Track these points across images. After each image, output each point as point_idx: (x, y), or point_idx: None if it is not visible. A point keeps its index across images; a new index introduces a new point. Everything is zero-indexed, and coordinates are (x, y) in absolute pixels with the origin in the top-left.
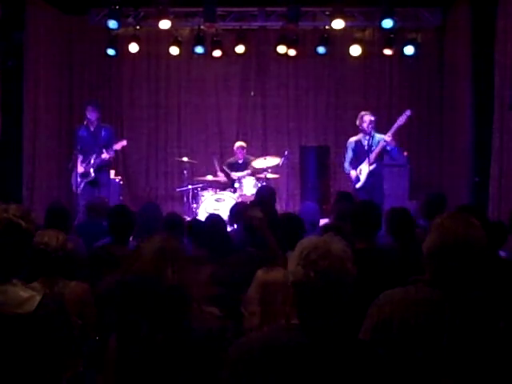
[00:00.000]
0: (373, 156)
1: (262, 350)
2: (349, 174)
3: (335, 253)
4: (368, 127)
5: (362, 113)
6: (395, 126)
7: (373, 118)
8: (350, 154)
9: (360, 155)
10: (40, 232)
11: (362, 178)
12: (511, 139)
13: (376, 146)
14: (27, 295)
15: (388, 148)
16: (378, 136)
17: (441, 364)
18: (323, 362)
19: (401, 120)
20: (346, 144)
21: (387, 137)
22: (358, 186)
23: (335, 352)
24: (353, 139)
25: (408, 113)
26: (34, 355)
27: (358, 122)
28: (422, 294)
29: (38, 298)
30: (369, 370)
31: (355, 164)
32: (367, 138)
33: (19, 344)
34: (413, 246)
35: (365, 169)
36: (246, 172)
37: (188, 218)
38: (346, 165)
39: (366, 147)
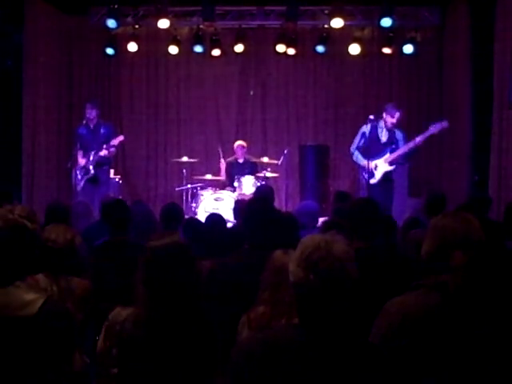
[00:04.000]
0: (394, 156)
1: (264, 349)
2: (356, 159)
3: (336, 254)
4: (393, 124)
5: (390, 105)
6: (427, 133)
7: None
8: (360, 142)
9: (372, 147)
10: (48, 228)
11: (378, 175)
12: (510, 138)
13: (395, 144)
14: (30, 298)
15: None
16: (398, 133)
17: (453, 371)
18: (324, 361)
19: (434, 128)
20: (345, 143)
21: (418, 141)
22: (372, 181)
23: (335, 352)
24: (364, 128)
25: (445, 125)
26: (33, 358)
27: (385, 114)
28: (430, 301)
29: (41, 300)
30: (370, 370)
31: (365, 154)
32: (383, 129)
33: (19, 347)
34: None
35: (382, 166)
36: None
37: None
38: (353, 149)
39: (383, 141)
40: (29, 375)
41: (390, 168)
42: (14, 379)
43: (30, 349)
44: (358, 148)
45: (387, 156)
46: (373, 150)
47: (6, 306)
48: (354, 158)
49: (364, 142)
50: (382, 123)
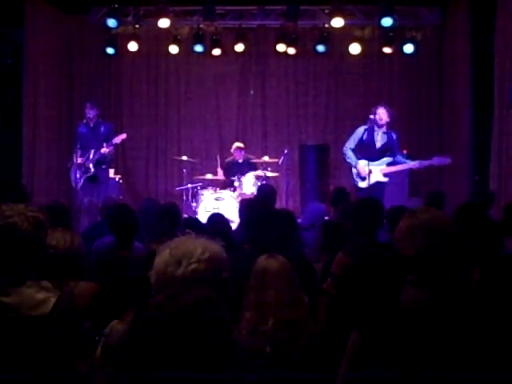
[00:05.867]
0: (390, 171)
1: None
2: (348, 159)
3: None
4: (382, 122)
5: (377, 106)
6: (429, 163)
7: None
8: (354, 143)
9: (367, 151)
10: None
11: (371, 181)
12: (510, 138)
13: (390, 150)
14: (42, 297)
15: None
16: (393, 135)
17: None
18: None
19: (437, 161)
20: (345, 142)
21: (416, 166)
22: (361, 185)
23: None
24: (362, 128)
25: (448, 161)
26: (45, 357)
27: (380, 116)
28: (422, 297)
29: (53, 299)
30: None
31: (358, 155)
32: (379, 133)
33: (32, 346)
34: None
35: (376, 175)
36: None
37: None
38: (346, 150)
39: (378, 146)
40: (40, 374)
41: (383, 179)
42: (26, 378)
43: (42, 348)
44: (351, 149)
45: (384, 167)
46: (368, 153)
47: (20, 305)
48: (347, 158)
49: (357, 145)
50: (376, 126)
